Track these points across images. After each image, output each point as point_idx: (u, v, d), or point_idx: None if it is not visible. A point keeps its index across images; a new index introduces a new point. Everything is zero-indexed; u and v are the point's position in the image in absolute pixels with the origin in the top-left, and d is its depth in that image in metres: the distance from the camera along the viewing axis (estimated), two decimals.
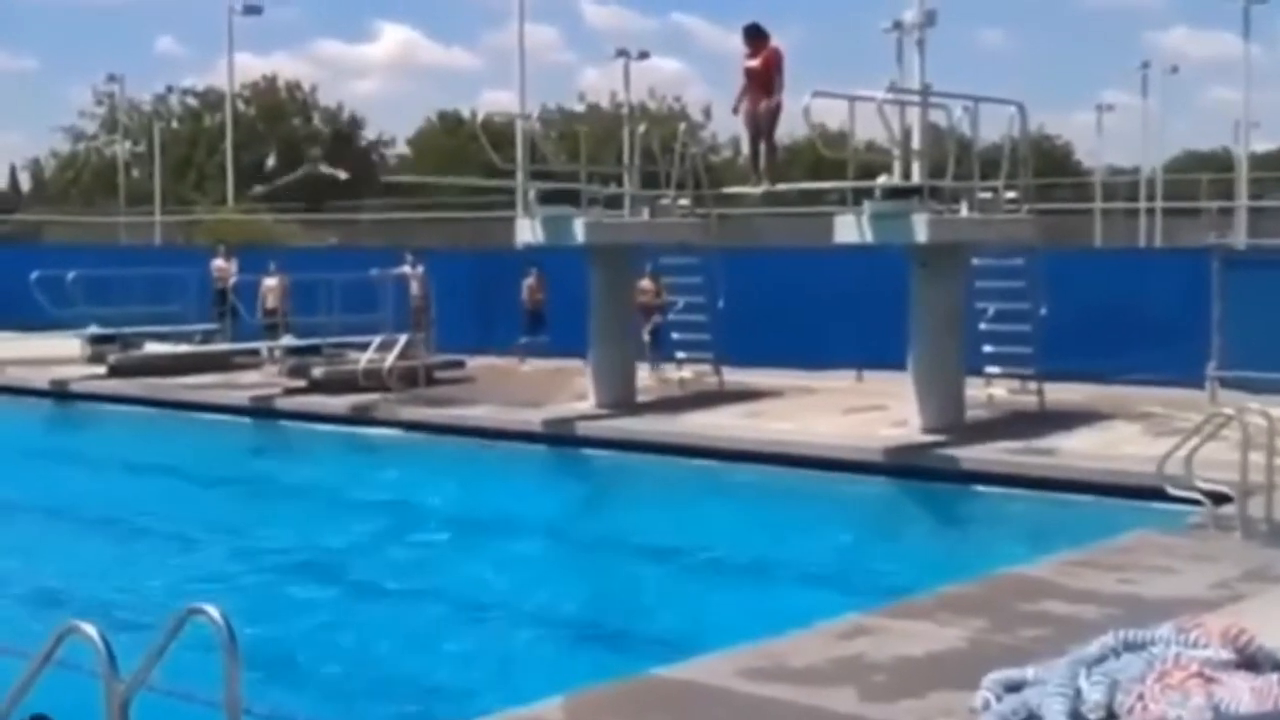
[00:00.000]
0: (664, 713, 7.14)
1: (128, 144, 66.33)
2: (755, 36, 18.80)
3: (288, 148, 68.64)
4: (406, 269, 25.79)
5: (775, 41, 18.80)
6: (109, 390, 24.30)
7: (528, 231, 19.80)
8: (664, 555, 13.87)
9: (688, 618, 11.48)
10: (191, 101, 71.97)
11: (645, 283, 23.00)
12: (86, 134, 73.24)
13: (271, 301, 27.17)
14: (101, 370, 25.23)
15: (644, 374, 21.76)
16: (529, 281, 25.20)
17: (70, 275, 26.54)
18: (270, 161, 68.43)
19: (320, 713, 7.85)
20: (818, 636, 8.59)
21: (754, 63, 18.68)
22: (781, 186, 20.12)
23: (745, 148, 20.66)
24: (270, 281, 27.20)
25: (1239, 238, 31.96)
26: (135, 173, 65.46)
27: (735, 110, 19.26)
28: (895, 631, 8.59)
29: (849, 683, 7.55)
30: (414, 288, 25.61)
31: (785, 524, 14.92)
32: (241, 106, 65.80)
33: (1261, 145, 58.69)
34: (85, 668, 5.53)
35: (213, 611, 5.41)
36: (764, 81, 18.64)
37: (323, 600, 12.42)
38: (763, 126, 18.93)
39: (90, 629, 5.35)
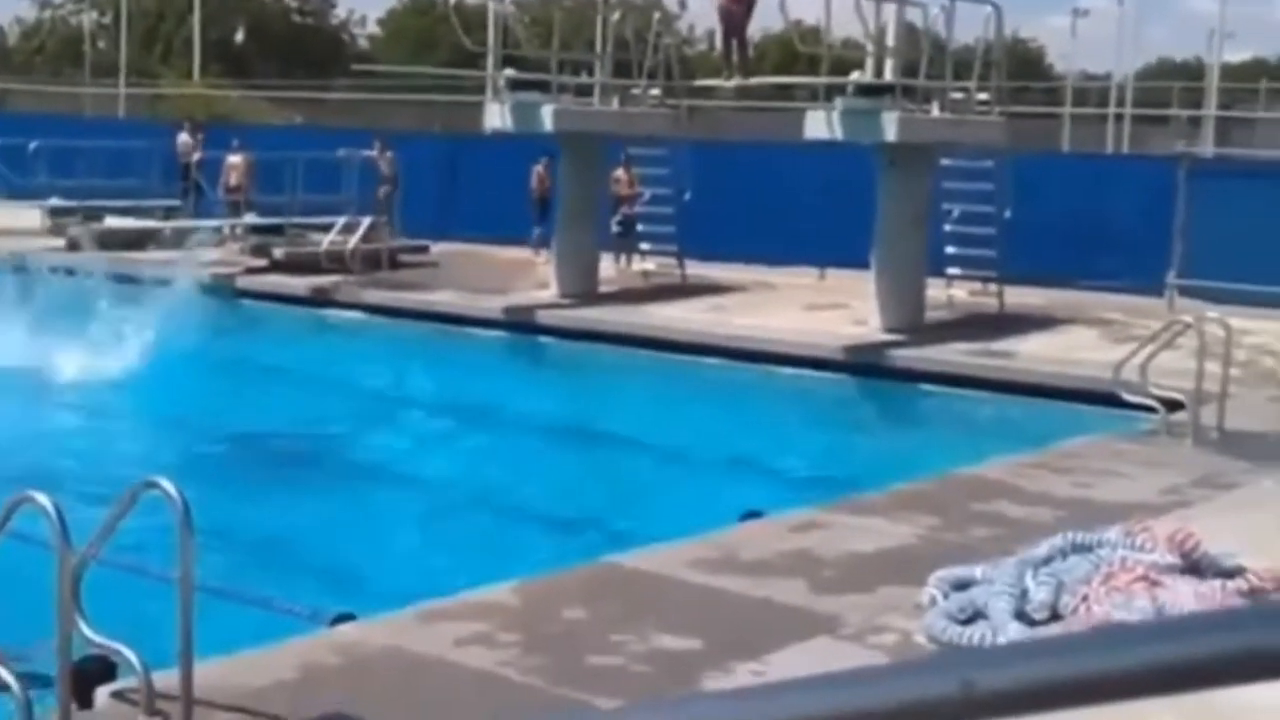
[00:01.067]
0: (615, 599, 7.22)
1: (93, 14, 65.31)
2: None
3: (257, 23, 67.72)
4: (374, 152, 25.58)
5: None
6: (68, 262, 24.09)
7: (496, 117, 19.65)
8: (619, 445, 13.93)
9: (641, 508, 11.56)
10: None
11: (619, 172, 22.82)
12: (52, 2, 72.08)
13: (235, 179, 26.90)
14: (60, 243, 25.01)
15: (609, 264, 21.72)
16: (538, 169, 24.05)
17: (32, 145, 26.24)
18: (239, 36, 67.49)
19: (273, 592, 7.89)
20: (769, 529, 8.68)
21: None
22: (754, 81, 20.01)
23: (719, 42, 20.54)
24: (234, 159, 26.86)
25: (1206, 147, 31.98)
26: (101, 44, 64.49)
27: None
28: (846, 526, 8.68)
29: (798, 575, 7.64)
30: (382, 170, 25.43)
31: (742, 419, 14.99)
32: None
33: (1235, 55, 58.59)
34: (38, 539, 5.55)
35: (166, 485, 5.43)
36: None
37: (275, 482, 12.44)
38: (736, 22, 18.81)
39: (43, 499, 5.35)
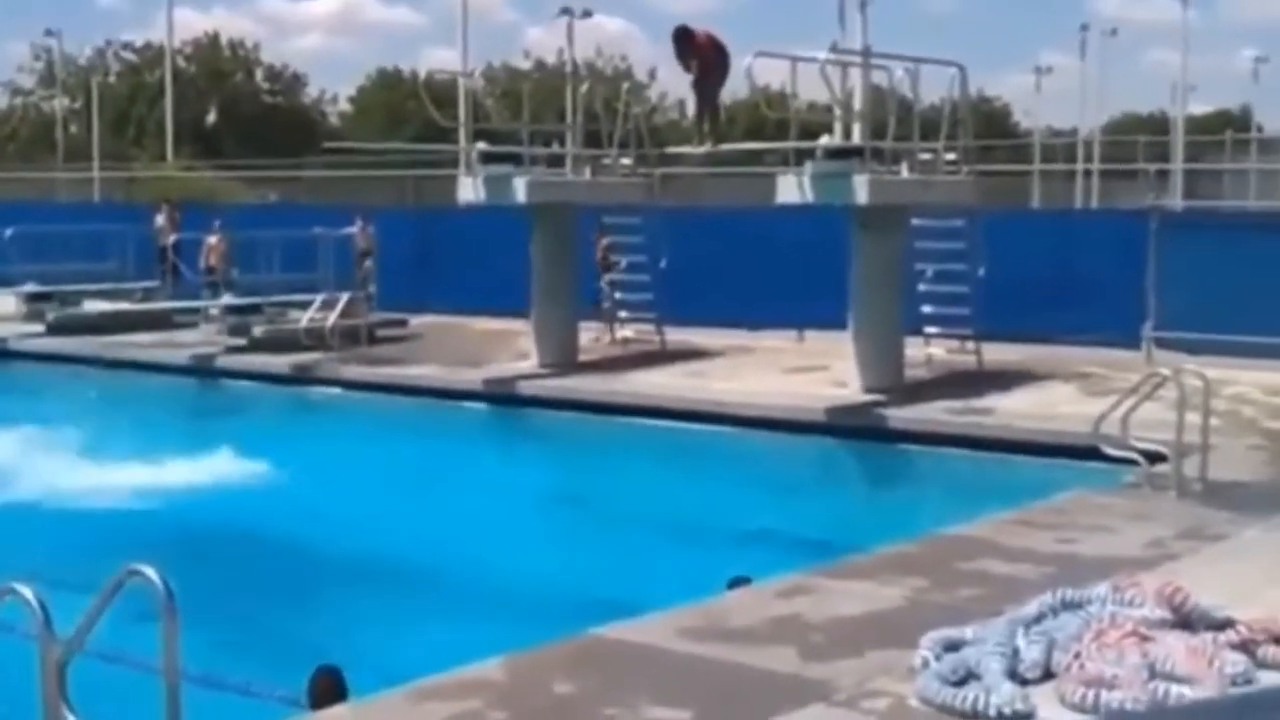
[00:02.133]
0: (603, 671, 7.17)
1: (65, 99, 65.50)
2: (683, 43, 18.75)
3: (230, 104, 67.98)
4: (355, 229, 25.63)
5: (704, 31, 18.81)
6: (47, 349, 24.06)
7: (469, 190, 19.72)
8: (603, 515, 13.90)
9: (626, 578, 11.51)
10: (130, 57, 71.14)
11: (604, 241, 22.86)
12: (24, 89, 72.30)
13: (213, 260, 26.96)
14: (39, 328, 24.97)
15: (591, 334, 21.72)
16: (604, 243, 23.22)
17: (8, 232, 26.23)
18: (211, 117, 67.74)
19: (258, 676, 7.83)
20: (756, 596, 8.63)
21: (693, 73, 18.73)
22: (725, 147, 20.13)
23: (691, 111, 20.74)
24: (212, 240, 26.97)
25: (1175, 200, 32.20)
26: (73, 128, 64.62)
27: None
28: (834, 591, 8.64)
29: (788, 642, 7.60)
30: (360, 245, 25.47)
31: (725, 484, 14.97)
32: (182, 63, 65.11)
33: (1199, 107, 59.18)
34: (21, 629, 5.50)
35: (150, 573, 5.39)
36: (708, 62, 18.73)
37: (258, 559, 12.37)
38: (709, 91, 19.02)
39: (26, 591, 5.31)
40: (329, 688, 7.08)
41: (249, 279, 24.85)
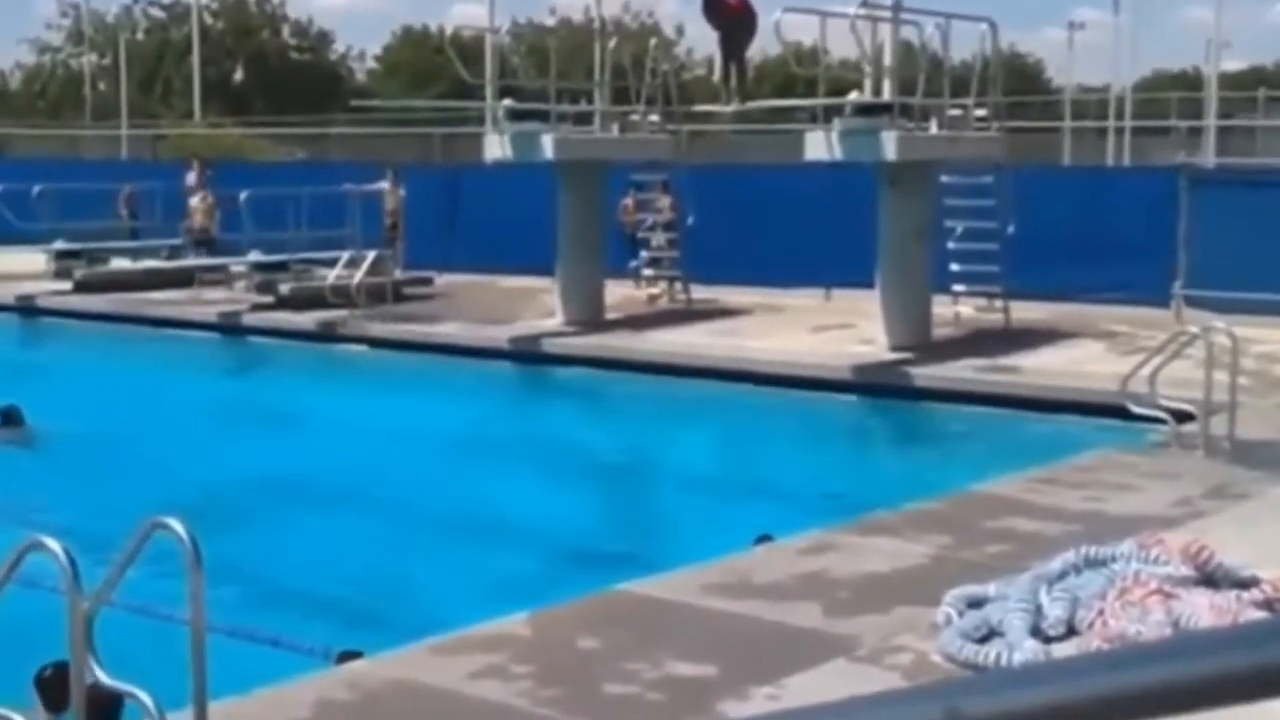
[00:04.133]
0: (629, 627, 7.20)
1: (93, 56, 65.58)
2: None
3: (256, 61, 67.98)
4: (385, 185, 25.59)
5: None
6: (75, 306, 24.16)
7: (496, 148, 19.68)
8: (630, 472, 13.93)
9: (654, 534, 11.55)
10: (158, 14, 71.13)
11: (628, 201, 22.85)
12: (52, 46, 72.40)
13: (198, 219, 26.67)
14: (67, 286, 25.07)
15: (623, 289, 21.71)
16: (626, 203, 23.31)
17: (36, 189, 26.30)
18: (238, 75, 67.75)
19: (285, 629, 7.88)
20: (782, 553, 8.65)
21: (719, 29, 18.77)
22: (752, 105, 20.05)
23: (717, 66, 20.64)
24: (195, 200, 26.74)
25: (1207, 157, 31.97)
26: (101, 86, 64.74)
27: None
28: (860, 548, 8.65)
29: (813, 598, 7.61)
30: (388, 204, 25.44)
31: (752, 441, 14.98)
32: (209, 20, 65.08)
33: (1232, 64, 58.63)
34: (48, 585, 5.53)
35: (176, 525, 5.40)
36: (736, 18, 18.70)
37: (288, 516, 12.43)
38: (735, 45, 18.92)
39: (54, 544, 5.33)
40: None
41: (275, 236, 24.82)
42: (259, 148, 45.11)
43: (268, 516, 12.37)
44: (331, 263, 22.47)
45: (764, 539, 9.11)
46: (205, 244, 26.41)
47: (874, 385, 16.33)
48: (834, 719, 1.41)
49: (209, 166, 29.00)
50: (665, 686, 6.37)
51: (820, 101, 17.34)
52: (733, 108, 19.55)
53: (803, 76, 19.96)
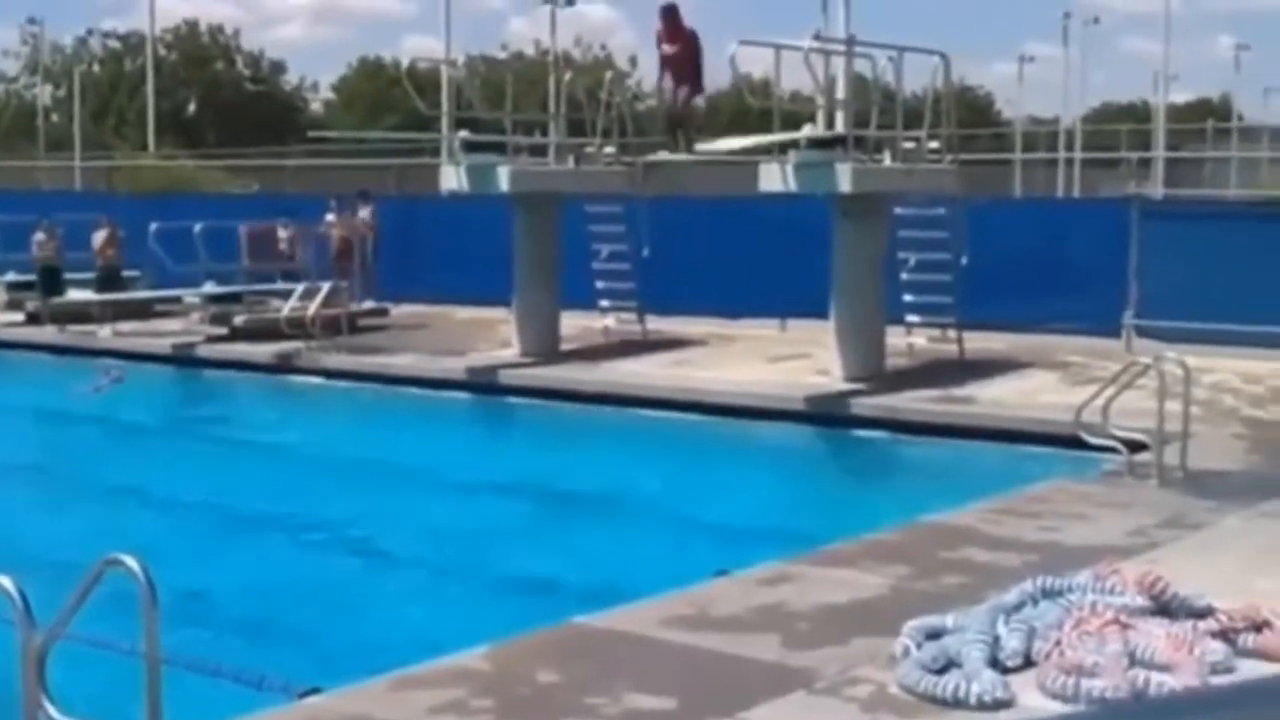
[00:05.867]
0: (587, 661, 7.18)
1: (48, 87, 65.27)
2: (672, 18, 18.94)
3: (210, 92, 67.81)
4: (330, 217, 25.47)
5: (691, 26, 18.99)
6: (26, 338, 23.99)
7: (453, 179, 19.68)
8: (586, 504, 13.89)
9: (610, 566, 11.51)
10: (114, 44, 70.90)
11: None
12: (8, 76, 72.09)
13: (43, 257, 25.82)
14: (19, 317, 24.89)
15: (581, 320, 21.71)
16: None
17: None
18: (192, 106, 67.55)
19: (239, 663, 7.81)
20: (740, 584, 8.64)
21: (671, 49, 18.85)
22: (701, 147, 20.11)
23: (661, 124, 20.95)
24: (99, 234, 25.85)
25: (1156, 188, 32.28)
26: (55, 117, 64.42)
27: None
28: (818, 579, 8.66)
29: (771, 630, 7.61)
30: (334, 235, 25.23)
31: (708, 472, 14.98)
32: (163, 51, 64.89)
33: (1180, 96, 59.28)
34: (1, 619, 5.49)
35: (131, 562, 5.37)
36: (680, 66, 18.86)
37: (241, 551, 12.35)
38: (680, 116, 19.21)
39: (5, 580, 5.29)
40: None
41: (228, 268, 24.67)
42: (213, 179, 44.91)
43: (224, 549, 12.30)
44: (286, 294, 22.38)
45: (722, 574, 9.11)
46: (110, 279, 25.62)
47: (829, 415, 16.37)
48: None
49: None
50: None
51: (773, 138, 17.37)
52: (681, 156, 19.75)
53: (756, 108, 20.04)
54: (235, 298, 23.94)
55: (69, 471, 15.62)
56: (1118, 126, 47.77)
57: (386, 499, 14.20)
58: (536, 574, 11.43)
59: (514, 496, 14.34)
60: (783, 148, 17.11)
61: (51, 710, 5.33)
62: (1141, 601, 7.18)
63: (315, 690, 6.93)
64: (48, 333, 23.95)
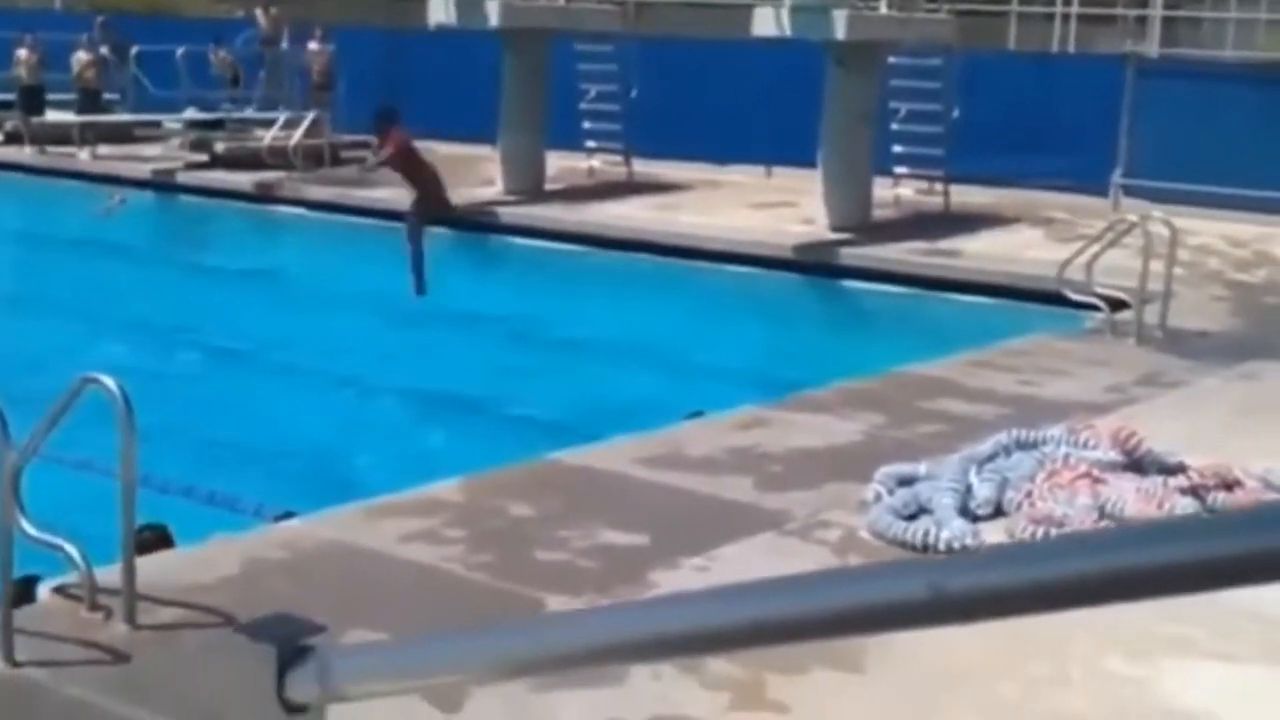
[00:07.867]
0: (561, 495, 7.22)
1: None
2: None
3: None
4: (313, 45, 25.09)
5: None
6: (6, 158, 23.74)
7: (440, 12, 19.36)
8: (564, 343, 13.90)
9: (588, 406, 11.55)
10: None
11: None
12: None
13: (23, 72, 25.32)
14: None
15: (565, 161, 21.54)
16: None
17: None
18: None
19: (215, 485, 7.86)
20: (715, 427, 8.68)
21: None
22: None
23: None
24: (21, 53, 24.80)
25: (1153, 46, 31.92)
26: None
27: None
28: (792, 424, 8.69)
29: (745, 472, 7.66)
30: (315, 63, 24.86)
31: (688, 316, 14.97)
32: None
33: None
34: None
35: (107, 381, 5.35)
36: None
37: (221, 377, 12.37)
38: None
39: None
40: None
41: (210, 94, 24.36)
42: (197, 4, 44.18)
43: (203, 377, 12.31)
44: (268, 123, 22.14)
45: (695, 415, 9.14)
46: (29, 100, 24.73)
47: (812, 264, 16.34)
48: (823, 588, 1.40)
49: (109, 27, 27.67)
50: (596, 554, 6.41)
51: None
52: None
53: None
54: (217, 124, 23.67)
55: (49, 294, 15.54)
56: None
57: (369, 333, 14.20)
58: (514, 410, 11.47)
59: (492, 334, 14.33)
60: None
61: (26, 525, 5.34)
62: (1114, 456, 7.22)
63: (289, 515, 6.97)
64: (26, 154, 23.68)
